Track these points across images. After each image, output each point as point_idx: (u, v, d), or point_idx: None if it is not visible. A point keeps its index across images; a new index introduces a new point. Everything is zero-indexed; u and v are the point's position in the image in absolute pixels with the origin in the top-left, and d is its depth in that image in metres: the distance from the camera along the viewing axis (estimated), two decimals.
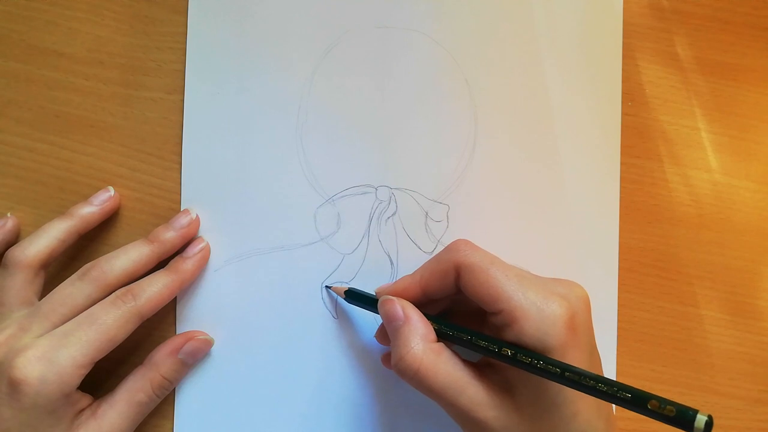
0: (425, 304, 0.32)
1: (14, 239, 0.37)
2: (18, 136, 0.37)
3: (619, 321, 0.37)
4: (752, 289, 0.38)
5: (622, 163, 0.37)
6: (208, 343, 0.36)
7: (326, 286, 0.36)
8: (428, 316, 0.31)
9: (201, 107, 0.37)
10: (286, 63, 0.37)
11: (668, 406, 0.24)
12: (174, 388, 0.36)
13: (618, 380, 0.37)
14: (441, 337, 0.30)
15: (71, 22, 0.38)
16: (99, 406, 0.32)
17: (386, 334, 0.32)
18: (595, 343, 0.30)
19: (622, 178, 0.37)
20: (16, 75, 0.38)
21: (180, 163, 0.37)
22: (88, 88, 0.38)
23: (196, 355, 0.35)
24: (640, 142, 0.38)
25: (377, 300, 0.33)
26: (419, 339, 0.29)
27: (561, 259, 0.37)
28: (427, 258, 0.37)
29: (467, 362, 0.30)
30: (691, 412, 0.24)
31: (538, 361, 0.27)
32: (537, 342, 0.27)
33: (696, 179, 0.38)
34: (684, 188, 0.38)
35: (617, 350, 0.37)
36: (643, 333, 0.37)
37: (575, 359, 0.27)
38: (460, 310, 0.34)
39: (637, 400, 0.25)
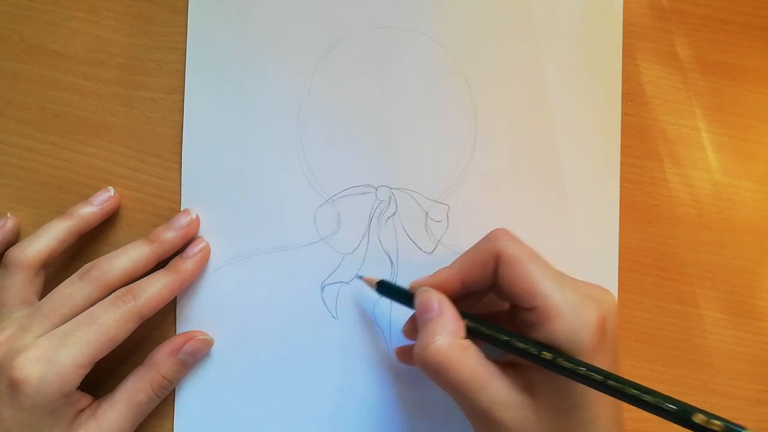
0: (461, 298, 0.32)
1: (14, 239, 0.37)
2: (18, 136, 0.37)
3: (619, 321, 0.37)
4: (752, 289, 0.38)
5: (622, 163, 0.37)
6: (208, 343, 0.36)
7: (359, 276, 0.36)
8: (465, 314, 0.31)
9: (201, 107, 0.37)
10: (286, 63, 0.37)
11: (715, 421, 0.23)
12: (174, 388, 0.36)
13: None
14: (477, 335, 0.30)
15: (71, 22, 0.38)
16: (99, 406, 0.32)
17: (415, 329, 0.31)
18: (617, 350, 0.30)
19: (622, 178, 0.37)
20: (16, 75, 0.38)
21: (180, 163, 0.37)
22: (88, 88, 0.38)
23: (196, 355, 0.35)
24: (640, 142, 0.38)
25: (408, 293, 0.32)
26: (447, 333, 0.29)
27: (561, 259, 0.37)
28: (427, 258, 0.37)
29: (491, 361, 0.29)
30: (738, 429, 0.23)
31: (580, 367, 0.27)
32: (569, 343, 0.27)
33: (696, 179, 0.38)
34: (684, 188, 0.38)
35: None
36: (643, 333, 0.37)
37: (602, 363, 0.27)
38: (485, 311, 0.34)
39: (682, 413, 0.24)
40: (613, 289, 0.37)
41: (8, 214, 0.37)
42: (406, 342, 0.35)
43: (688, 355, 0.37)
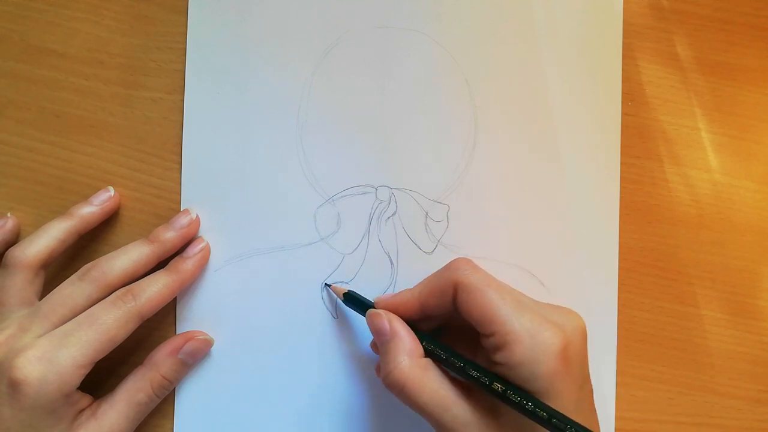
0: (422, 320, 0.32)
1: (14, 239, 0.37)
2: (18, 136, 0.37)
3: (619, 321, 0.37)
4: (752, 289, 0.38)
5: (622, 163, 0.37)
6: (208, 343, 0.36)
7: (326, 285, 0.36)
8: (422, 335, 0.31)
9: (201, 107, 0.37)
10: (286, 63, 0.37)
11: None
12: (174, 388, 0.36)
13: (618, 380, 0.37)
14: (433, 358, 0.30)
15: (71, 22, 0.38)
16: (99, 406, 0.32)
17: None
18: (588, 375, 0.30)
19: (622, 178, 0.37)
20: (16, 75, 0.38)
21: (180, 163, 0.37)
22: (88, 88, 0.38)
23: (196, 355, 0.35)
24: (640, 142, 0.38)
25: (369, 309, 0.33)
26: (405, 355, 0.29)
27: (561, 259, 0.37)
28: (427, 258, 0.37)
29: (455, 380, 0.30)
30: None
31: (527, 403, 0.27)
32: (526, 369, 0.27)
33: (696, 179, 0.38)
34: (684, 188, 0.38)
35: (617, 350, 0.37)
36: (643, 333, 0.37)
37: (564, 390, 0.27)
38: (455, 326, 0.34)
39: None
40: (613, 289, 0.37)
41: (8, 214, 0.37)
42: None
43: (688, 355, 0.37)
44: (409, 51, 0.37)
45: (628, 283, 0.37)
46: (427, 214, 0.37)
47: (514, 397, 0.27)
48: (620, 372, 0.37)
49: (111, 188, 0.37)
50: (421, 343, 0.31)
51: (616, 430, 0.36)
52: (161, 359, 0.34)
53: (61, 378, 0.30)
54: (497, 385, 0.28)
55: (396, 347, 0.30)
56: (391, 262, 0.37)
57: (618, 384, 0.37)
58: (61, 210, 0.36)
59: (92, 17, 0.38)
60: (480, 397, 0.29)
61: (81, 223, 0.35)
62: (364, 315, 0.34)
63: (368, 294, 0.36)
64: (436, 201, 0.37)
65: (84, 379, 0.31)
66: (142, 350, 0.36)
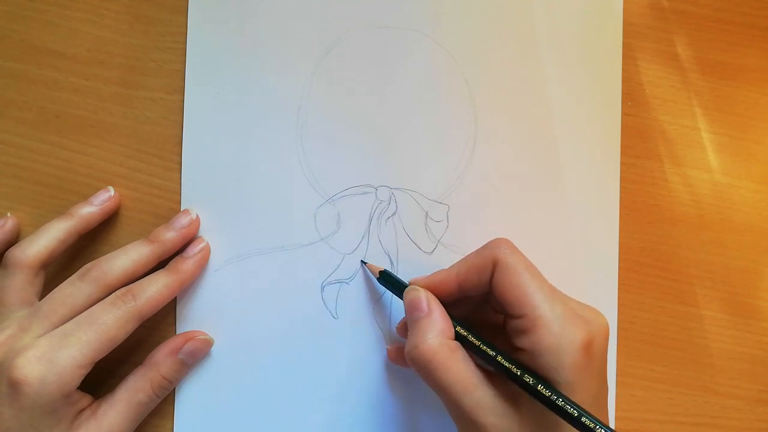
0: (457, 301, 0.32)
1: (14, 239, 0.37)
2: (18, 136, 0.37)
3: (619, 321, 0.37)
4: (752, 289, 0.38)
5: (622, 163, 0.37)
6: (208, 343, 0.36)
7: (362, 262, 0.36)
8: (455, 320, 0.31)
9: (201, 107, 0.37)
10: (286, 63, 0.37)
11: None
12: (174, 388, 0.36)
13: (618, 380, 0.37)
14: (465, 343, 0.30)
15: (71, 22, 0.38)
16: (99, 406, 0.32)
17: (406, 327, 0.32)
18: (606, 375, 0.30)
19: (622, 178, 0.37)
20: (16, 75, 0.38)
21: (180, 163, 0.37)
22: (88, 88, 0.38)
23: (196, 355, 0.35)
24: (640, 142, 0.38)
25: (405, 288, 0.33)
26: (437, 332, 0.29)
27: (561, 259, 0.37)
28: (427, 258, 0.37)
29: (479, 366, 0.30)
30: None
31: (557, 398, 0.27)
32: (550, 357, 0.27)
33: (696, 179, 0.38)
34: (684, 188, 0.38)
35: (617, 350, 0.37)
36: (643, 333, 0.37)
37: (584, 384, 0.27)
38: (478, 319, 0.34)
39: None
40: (613, 289, 0.37)
41: (8, 214, 0.37)
42: (399, 342, 0.36)
43: (688, 355, 0.37)
44: (409, 51, 0.37)
45: (628, 283, 0.37)
46: (427, 214, 0.37)
47: (544, 391, 0.27)
48: (620, 372, 0.37)
49: (111, 188, 0.37)
50: (454, 327, 0.31)
51: (616, 430, 0.36)
52: (161, 359, 0.34)
53: (61, 378, 0.30)
54: (528, 378, 0.28)
55: (428, 324, 0.30)
56: (391, 262, 0.37)
57: (618, 384, 0.37)
58: (61, 210, 0.36)
59: (92, 17, 0.38)
60: (502, 385, 0.29)
61: (81, 223, 0.35)
62: (397, 294, 0.33)
63: (370, 294, 0.36)
64: (436, 201, 0.37)
65: (84, 379, 0.31)
66: (142, 350, 0.36)
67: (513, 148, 0.37)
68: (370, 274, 0.36)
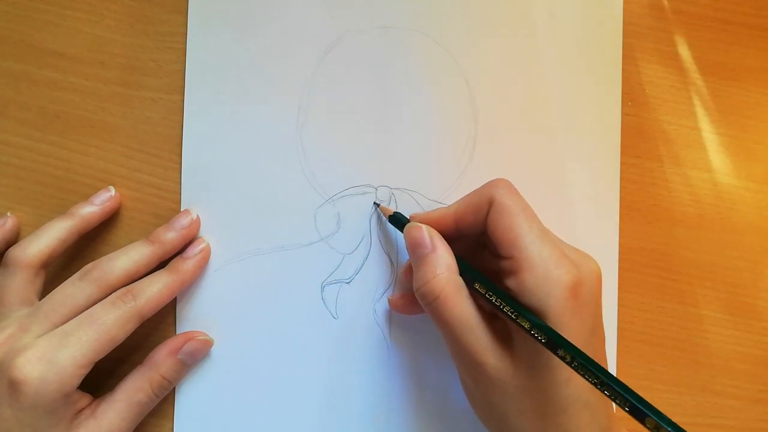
0: (454, 239, 0.32)
1: (14, 239, 0.37)
2: (18, 136, 0.37)
3: (619, 321, 0.37)
4: (752, 289, 0.38)
5: (622, 163, 0.37)
6: (207, 344, 0.36)
7: (375, 203, 0.36)
8: (458, 259, 0.31)
9: (201, 107, 0.37)
10: (286, 63, 0.37)
11: (663, 429, 0.24)
12: (174, 388, 0.36)
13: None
14: (466, 281, 0.30)
15: (71, 22, 0.38)
16: (98, 406, 0.32)
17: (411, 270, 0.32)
18: (600, 323, 0.30)
19: (622, 178, 0.37)
20: (16, 75, 0.38)
21: (180, 163, 0.37)
22: (88, 88, 0.38)
23: (195, 356, 0.35)
24: (640, 142, 0.38)
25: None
26: (446, 267, 0.30)
27: None
28: None
29: (479, 306, 0.30)
30: None
31: (563, 351, 0.26)
32: (536, 299, 0.27)
33: (696, 179, 0.38)
34: (684, 188, 0.38)
35: (617, 350, 0.37)
36: (643, 333, 0.37)
37: (573, 328, 0.27)
38: (477, 264, 0.33)
39: (636, 412, 0.24)
40: (613, 289, 0.37)
41: (8, 214, 0.37)
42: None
43: (688, 355, 0.37)
44: (409, 51, 0.37)
45: (628, 283, 0.37)
46: None
47: (539, 334, 0.27)
48: (620, 372, 0.37)
49: (111, 188, 0.37)
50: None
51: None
52: (161, 359, 0.34)
53: (60, 378, 0.30)
54: (523, 321, 0.27)
55: (436, 259, 0.30)
56: (391, 262, 0.37)
57: None
58: (61, 210, 0.36)
59: (92, 17, 0.38)
60: (498, 326, 0.29)
61: (81, 223, 0.35)
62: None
63: (370, 294, 0.36)
64: (436, 201, 0.37)
65: (84, 379, 0.31)
66: (142, 350, 0.36)
67: (513, 148, 0.37)
68: (384, 217, 0.36)
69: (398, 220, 0.34)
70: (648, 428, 0.24)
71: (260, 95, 0.37)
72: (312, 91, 0.37)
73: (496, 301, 0.29)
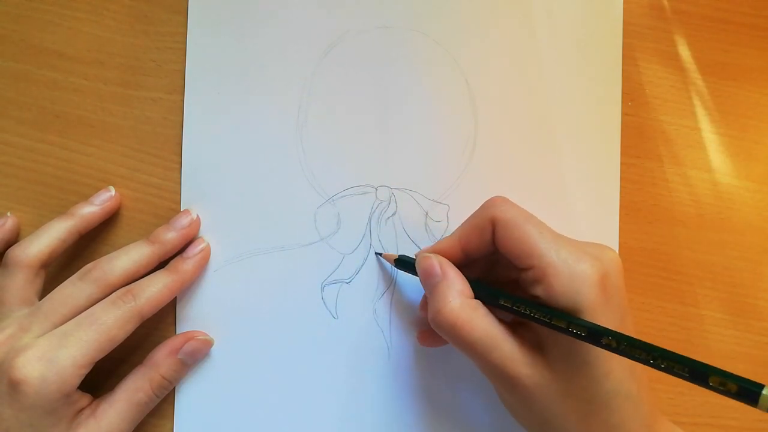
0: (464, 265, 0.32)
1: (14, 239, 0.37)
2: (18, 136, 0.37)
3: None
4: (752, 289, 0.38)
5: (622, 163, 0.37)
6: (207, 343, 0.36)
7: (377, 253, 0.36)
8: (471, 280, 0.31)
9: (201, 107, 0.37)
10: (286, 63, 0.37)
11: (730, 383, 0.23)
12: (174, 388, 0.36)
13: None
14: (481, 298, 0.30)
15: (71, 22, 0.38)
16: (98, 406, 0.32)
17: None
18: (627, 308, 0.29)
19: (622, 178, 0.37)
20: (16, 75, 0.38)
21: (180, 163, 0.37)
22: (88, 88, 0.38)
23: (195, 355, 0.35)
24: (640, 142, 0.38)
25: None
26: (456, 294, 0.30)
27: None
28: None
29: (501, 320, 0.30)
30: (755, 388, 0.23)
31: (601, 334, 0.26)
32: (568, 300, 0.27)
33: (696, 179, 0.38)
34: (684, 188, 0.38)
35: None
36: (643, 333, 0.37)
37: (606, 321, 0.27)
38: (495, 279, 0.34)
39: (696, 375, 0.24)
40: None
41: (8, 214, 0.37)
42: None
43: (688, 354, 0.37)
44: (409, 51, 0.37)
45: (628, 283, 0.37)
46: (427, 214, 0.37)
47: (578, 330, 0.26)
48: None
49: (112, 188, 0.37)
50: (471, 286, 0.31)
51: None
52: (161, 359, 0.34)
53: (61, 378, 0.30)
54: (559, 321, 0.27)
55: (447, 288, 0.30)
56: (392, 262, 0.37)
57: None
58: (61, 210, 0.36)
59: (92, 17, 0.38)
60: (526, 335, 0.29)
61: (82, 223, 0.35)
62: (414, 273, 0.33)
63: (370, 294, 0.36)
64: (436, 201, 0.37)
65: (84, 378, 0.31)
66: (142, 350, 0.36)
67: (513, 148, 0.37)
68: (386, 263, 0.36)
69: (404, 262, 0.34)
70: (713, 388, 0.24)
71: (260, 95, 0.37)
72: (312, 91, 0.37)
73: (525, 310, 0.28)
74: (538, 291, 0.28)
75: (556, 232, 0.30)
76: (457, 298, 0.29)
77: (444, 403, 0.36)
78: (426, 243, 0.37)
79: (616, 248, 0.37)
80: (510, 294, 0.29)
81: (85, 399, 0.33)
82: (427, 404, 0.36)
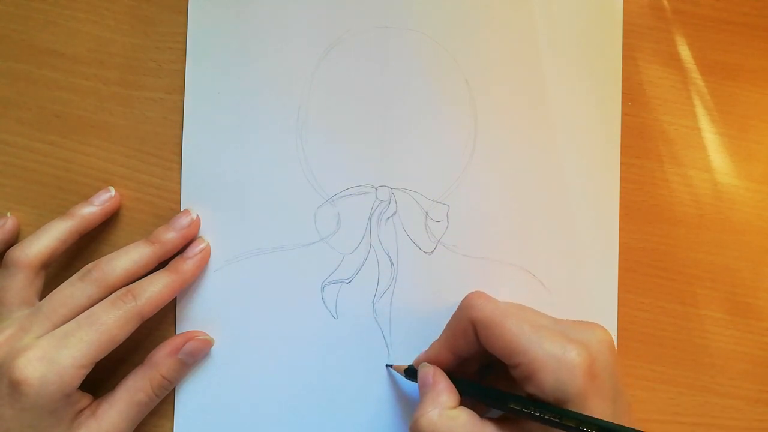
0: (461, 363, 0.32)
1: (14, 239, 0.37)
2: (18, 136, 0.37)
3: (619, 321, 0.37)
4: (752, 289, 0.38)
5: (622, 163, 0.37)
6: (208, 343, 0.36)
7: (387, 366, 0.36)
8: (460, 380, 0.31)
9: (201, 107, 0.37)
10: (286, 63, 0.37)
11: None
12: (174, 388, 0.36)
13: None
14: (471, 397, 0.31)
15: (71, 22, 0.38)
16: (99, 406, 0.32)
17: None
18: (621, 388, 0.29)
19: (622, 178, 0.37)
20: (16, 75, 0.38)
21: (180, 163, 0.37)
22: (88, 88, 0.38)
23: (196, 355, 0.35)
24: (640, 142, 0.38)
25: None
26: (436, 406, 0.29)
27: (561, 259, 0.37)
28: (427, 258, 0.37)
29: (487, 420, 0.29)
30: None
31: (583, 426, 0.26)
32: (556, 392, 0.27)
33: (696, 179, 0.38)
34: (684, 188, 0.38)
35: (617, 350, 0.37)
36: (643, 333, 0.37)
37: (596, 407, 0.27)
38: (502, 370, 0.33)
39: None
40: (613, 289, 0.37)
41: (8, 214, 0.37)
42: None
43: (688, 355, 0.37)
44: (409, 51, 0.37)
45: (628, 283, 0.37)
46: (427, 214, 0.37)
47: (591, 429, 0.27)
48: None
49: (111, 188, 0.37)
50: (465, 390, 0.31)
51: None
52: (161, 359, 0.34)
53: (61, 378, 0.30)
54: (532, 409, 0.28)
55: (428, 398, 0.30)
56: (391, 262, 0.37)
57: None
58: (61, 210, 0.36)
59: (92, 17, 0.38)
60: (516, 429, 0.29)
61: (81, 223, 0.35)
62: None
63: (370, 294, 0.36)
64: (436, 201, 0.37)
65: (84, 378, 0.31)
66: (142, 350, 0.36)
67: (513, 147, 0.37)
68: (395, 373, 0.36)
69: (414, 373, 0.34)
70: None
71: (260, 95, 0.37)
72: (312, 91, 0.37)
73: (534, 412, 0.28)
74: (530, 388, 0.28)
75: (539, 320, 0.30)
76: (436, 409, 0.29)
77: None
78: (426, 243, 0.37)
79: (616, 248, 0.37)
80: (520, 397, 0.29)
81: (85, 399, 0.33)
82: None
